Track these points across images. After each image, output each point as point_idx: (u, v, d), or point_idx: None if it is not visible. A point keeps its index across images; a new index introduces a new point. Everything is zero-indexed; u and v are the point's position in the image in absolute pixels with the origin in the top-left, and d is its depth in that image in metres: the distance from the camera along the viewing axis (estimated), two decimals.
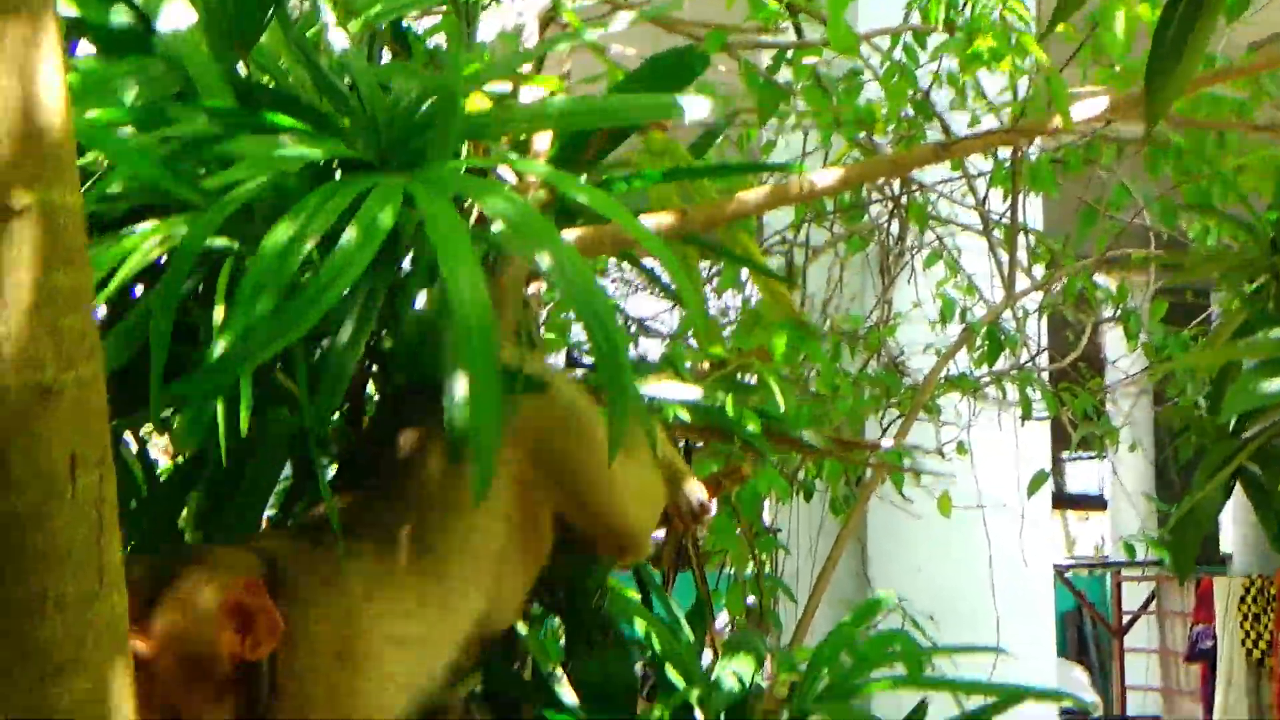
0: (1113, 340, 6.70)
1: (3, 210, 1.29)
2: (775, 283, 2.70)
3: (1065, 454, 14.37)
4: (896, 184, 5.65)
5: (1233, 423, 2.11)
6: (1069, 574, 12.27)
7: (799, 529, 6.00)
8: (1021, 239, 5.18)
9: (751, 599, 4.36)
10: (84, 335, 1.35)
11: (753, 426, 2.62)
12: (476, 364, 1.73)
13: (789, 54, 4.40)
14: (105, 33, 2.10)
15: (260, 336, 1.69)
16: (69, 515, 1.34)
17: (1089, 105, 2.84)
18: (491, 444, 1.74)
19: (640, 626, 2.68)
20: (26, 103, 1.30)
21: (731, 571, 4.36)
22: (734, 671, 2.76)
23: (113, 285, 1.79)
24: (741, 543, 4.27)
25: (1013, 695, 2.84)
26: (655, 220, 2.40)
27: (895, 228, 6.00)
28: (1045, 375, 5.69)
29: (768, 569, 4.79)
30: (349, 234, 1.76)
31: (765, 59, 4.57)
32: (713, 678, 2.75)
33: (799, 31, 4.73)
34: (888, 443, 4.39)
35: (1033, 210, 5.89)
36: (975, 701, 2.89)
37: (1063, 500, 15.16)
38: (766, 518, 5.75)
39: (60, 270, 1.33)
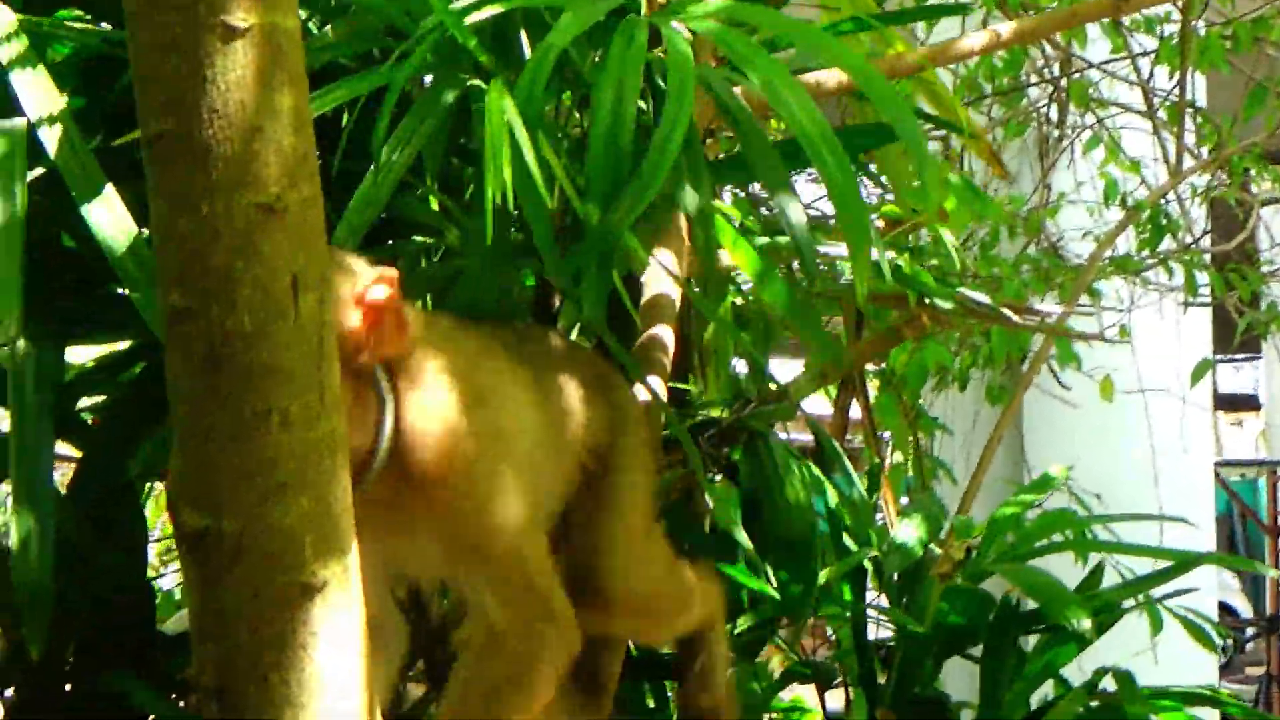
0: (1278, 224, 6.54)
1: (226, 29, 1.31)
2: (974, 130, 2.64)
3: (1219, 356, 14.12)
4: (1056, 66, 5.54)
5: None
6: (1222, 474, 12.06)
7: (955, 421, 5.97)
8: (1187, 119, 5.06)
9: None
10: (306, 155, 1.37)
11: (928, 283, 2.59)
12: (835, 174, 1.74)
13: None
14: None
15: (627, 200, 1.71)
16: (291, 335, 1.36)
17: None
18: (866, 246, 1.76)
19: (814, 489, 2.68)
20: None
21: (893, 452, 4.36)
22: (909, 535, 2.76)
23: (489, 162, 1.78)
24: (903, 421, 4.26)
25: (1182, 561, 2.81)
26: (823, 76, 2.38)
27: (1054, 112, 5.89)
28: (1209, 259, 5.57)
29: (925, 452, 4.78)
30: (670, 82, 1.78)
31: None
32: (888, 541, 2.75)
33: None
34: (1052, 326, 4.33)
35: (1197, 91, 5.74)
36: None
37: (1216, 401, 14.89)
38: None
39: (282, 90, 1.34)
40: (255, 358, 1.34)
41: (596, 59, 1.97)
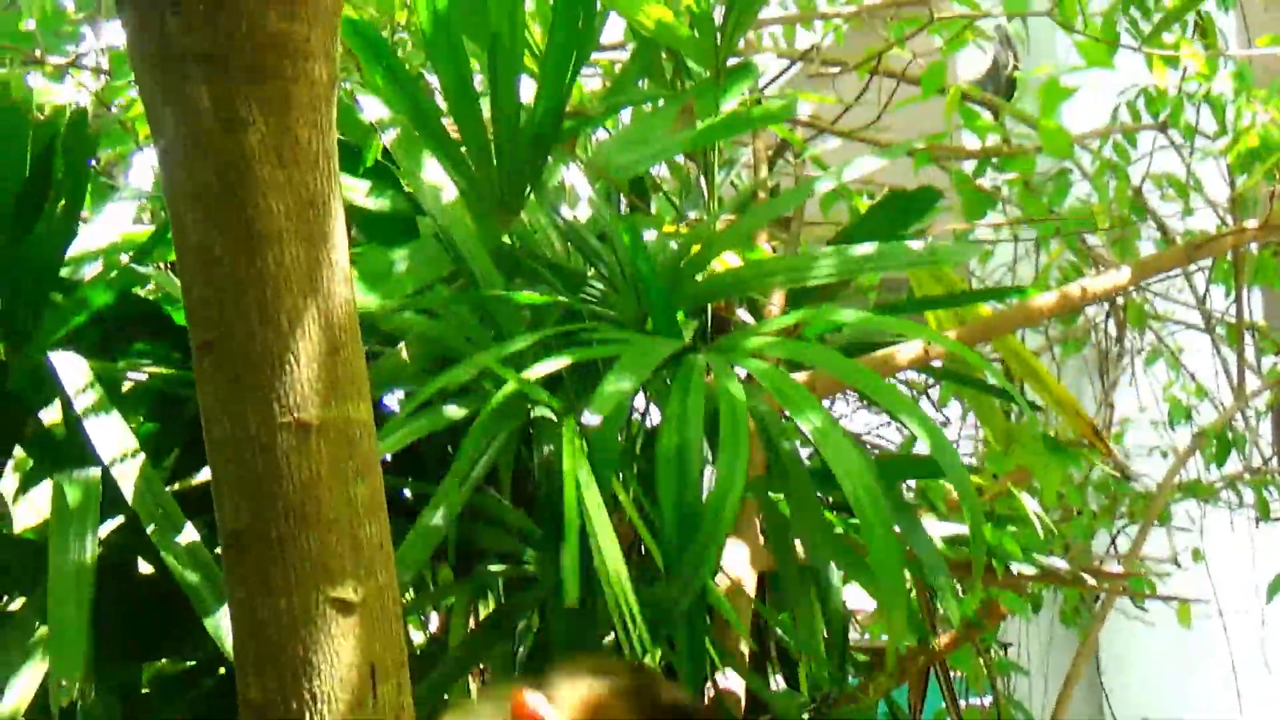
0: None
1: (302, 427, 1.32)
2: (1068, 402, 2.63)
3: None
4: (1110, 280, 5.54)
5: None
6: None
7: (1028, 641, 5.87)
8: (1246, 336, 5.03)
9: None
10: (381, 544, 1.37)
11: (1013, 552, 2.57)
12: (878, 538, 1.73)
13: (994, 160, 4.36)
14: (374, 218, 2.17)
15: (704, 543, 1.75)
16: None
17: None
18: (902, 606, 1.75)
19: None
20: (320, 322, 1.33)
21: (968, 694, 4.27)
22: None
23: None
24: (978, 664, 4.18)
25: None
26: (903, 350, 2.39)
27: (1112, 328, 5.87)
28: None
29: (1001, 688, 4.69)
30: (724, 432, 1.81)
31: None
32: None
33: (1006, 140, 4.69)
34: (1121, 558, 4.27)
35: (1255, 303, 5.73)
36: None
37: None
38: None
39: (355, 482, 1.35)
40: None
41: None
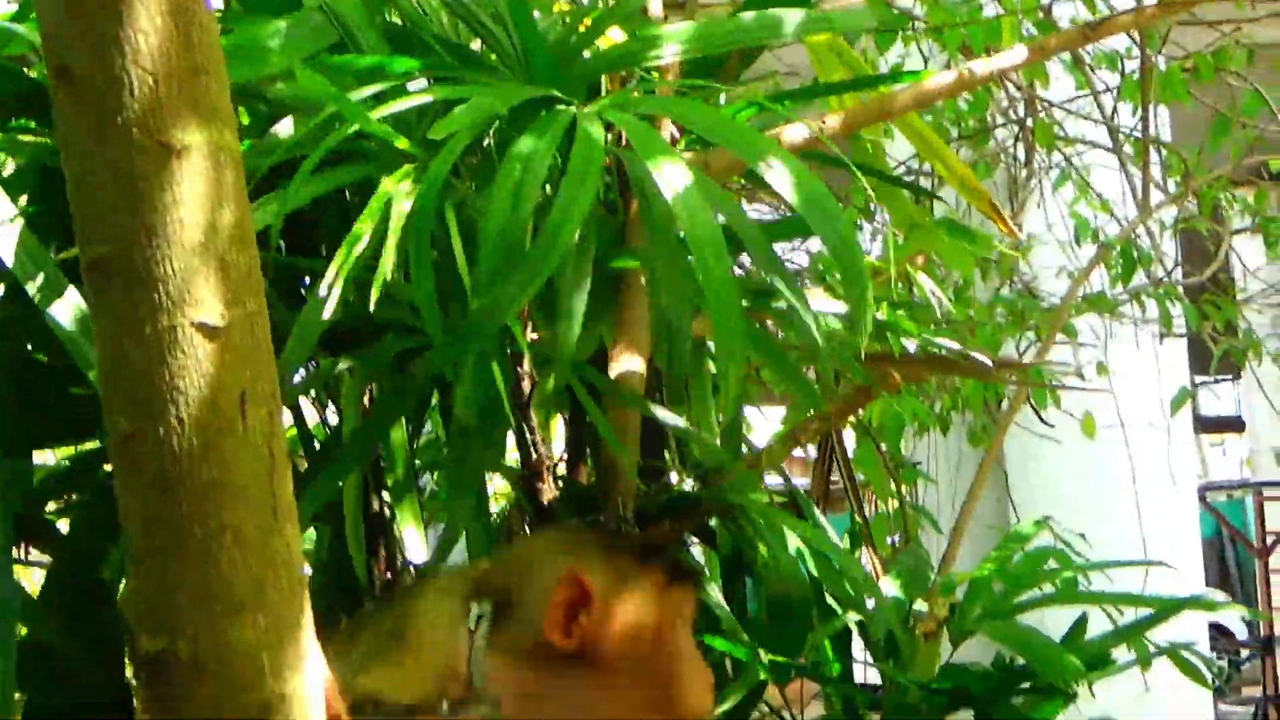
0: (1250, 251, 6.55)
1: (163, 150, 1.30)
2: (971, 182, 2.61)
3: (1200, 378, 14.14)
4: (1021, 106, 5.56)
5: None
6: (1208, 497, 12.06)
7: (937, 464, 5.96)
8: (1153, 153, 5.07)
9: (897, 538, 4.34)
10: (250, 271, 1.35)
11: (908, 329, 2.57)
12: (714, 280, 1.70)
13: None
14: None
15: (513, 287, 1.68)
16: (241, 450, 1.34)
17: None
18: (740, 361, 1.71)
19: (797, 551, 2.66)
20: (183, 42, 1.30)
21: (874, 504, 4.33)
22: (895, 594, 2.74)
23: (343, 254, 1.78)
24: (884, 474, 4.25)
25: (1169, 607, 2.79)
26: (790, 131, 2.37)
27: (1021, 152, 5.91)
28: (1182, 290, 5.58)
29: (909, 501, 4.76)
30: (571, 168, 1.74)
31: None
32: (873, 601, 2.73)
33: None
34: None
35: (1162, 123, 5.77)
36: (1130, 618, 2.87)
37: (1199, 423, 14.91)
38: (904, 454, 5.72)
39: (222, 208, 1.33)
40: (205, 476, 1.32)
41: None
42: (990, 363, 2.91)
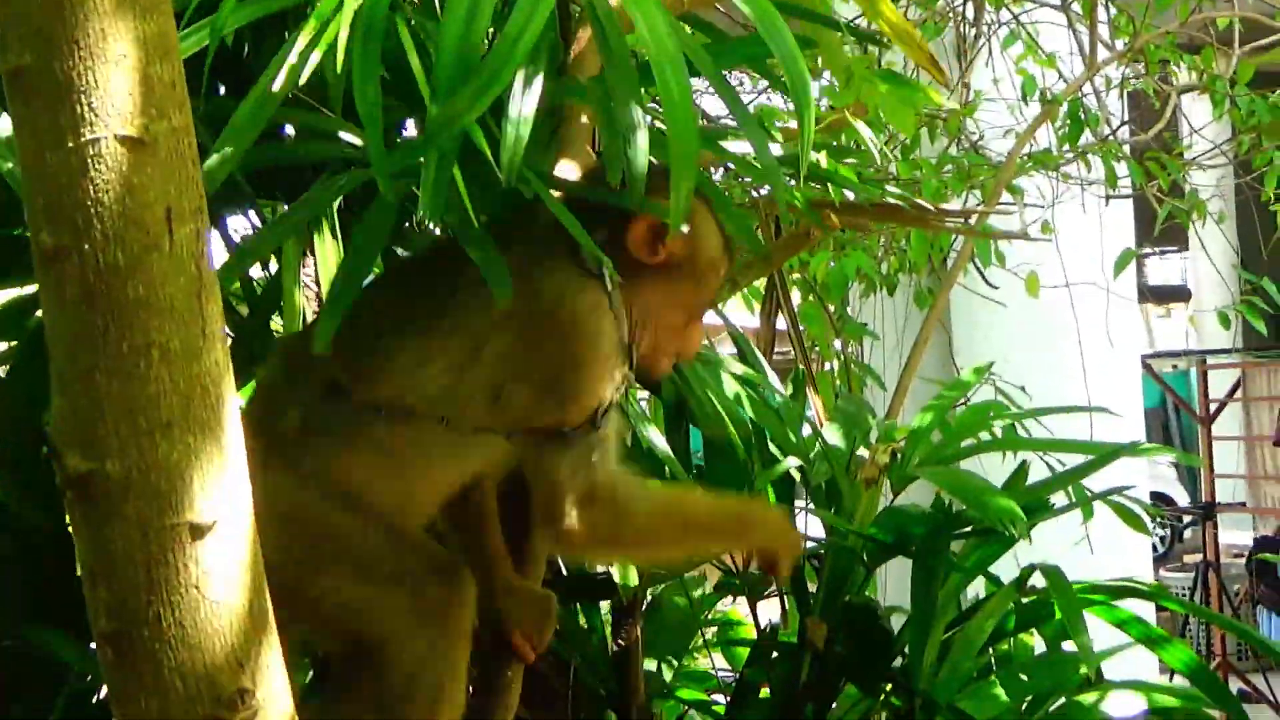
0: (1196, 111, 6.55)
1: None
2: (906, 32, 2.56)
3: (1146, 249, 14.22)
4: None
5: None
6: (1154, 366, 12.18)
7: (883, 325, 5.98)
8: (1101, 10, 5.04)
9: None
10: (174, 84, 1.32)
11: (848, 176, 2.54)
12: (673, 95, 1.68)
13: None
14: None
15: (470, 92, 1.64)
16: (167, 267, 1.32)
17: None
18: (692, 174, 1.70)
19: (736, 395, 2.66)
20: None
21: (819, 360, 4.34)
22: (834, 442, 2.75)
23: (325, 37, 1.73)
24: (829, 328, 4.25)
25: (1107, 453, 2.81)
26: None
27: (970, 11, 5.86)
28: (1128, 150, 5.57)
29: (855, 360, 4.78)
30: None
31: None
32: (814, 449, 2.74)
33: None
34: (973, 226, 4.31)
35: None
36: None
37: (1144, 293, 15.01)
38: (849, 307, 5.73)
39: (145, 17, 1.30)
40: (131, 292, 1.30)
41: None
42: (933, 209, 2.90)
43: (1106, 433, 4.77)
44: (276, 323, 2.54)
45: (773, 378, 2.85)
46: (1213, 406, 11.37)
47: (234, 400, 1.40)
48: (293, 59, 1.75)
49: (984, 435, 2.99)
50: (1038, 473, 2.93)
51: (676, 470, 2.47)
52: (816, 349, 4.40)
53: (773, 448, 2.74)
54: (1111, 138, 5.26)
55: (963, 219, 3.38)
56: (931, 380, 4.68)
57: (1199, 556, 11.14)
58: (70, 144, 1.28)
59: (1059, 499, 2.84)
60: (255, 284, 2.61)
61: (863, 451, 2.77)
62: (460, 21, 1.66)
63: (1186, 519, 13.19)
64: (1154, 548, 11.80)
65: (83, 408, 1.33)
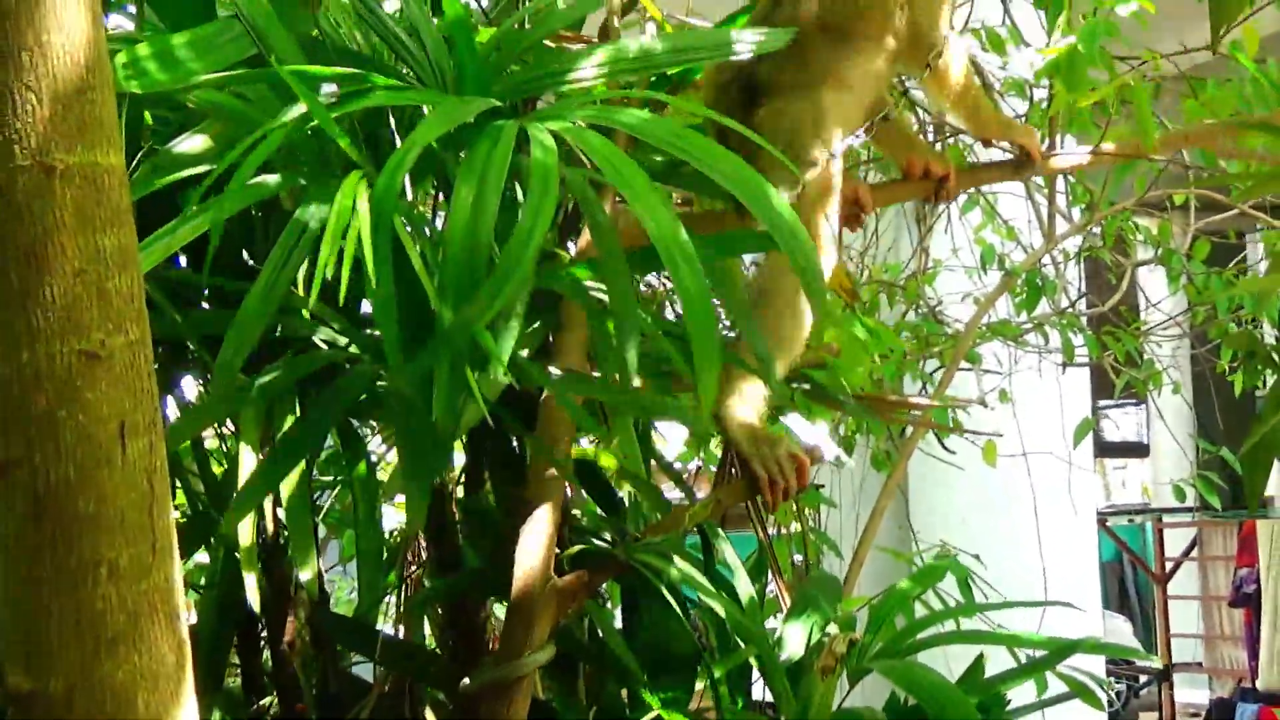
0: (1153, 283, 6.62)
1: (44, 171, 1.26)
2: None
3: (1104, 402, 14.31)
4: (932, 132, 5.58)
5: None
6: (1109, 522, 12.21)
7: (841, 485, 5.97)
8: (1060, 182, 5.10)
9: (798, 557, 4.33)
10: (132, 297, 1.32)
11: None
12: (691, 293, 1.70)
13: None
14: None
15: (483, 298, 1.65)
16: (119, 482, 1.30)
17: None
18: (716, 366, 1.71)
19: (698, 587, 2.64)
20: (67, 61, 1.26)
21: (777, 527, 4.32)
22: (797, 630, 2.72)
23: (326, 251, 1.73)
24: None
25: (1063, 649, 2.79)
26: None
27: None
28: (1085, 320, 5.62)
29: (812, 524, 4.76)
30: (533, 180, 1.73)
31: None
32: (775, 636, 2.71)
33: None
34: (930, 397, 4.34)
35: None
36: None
37: (1102, 448, 15.10)
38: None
39: (105, 231, 1.29)
40: (81, 507, 1.29)
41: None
42: (890, 405, 2.94)
43: (1064, 591, 4.78)
44: None
45: (731, 555, 2.82)
46: (1169, 565, 11.39)
47: (184, 616, 1.38)
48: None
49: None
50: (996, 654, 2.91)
51: (636, 673, 2.44)
52: (773, 516, 4.38)
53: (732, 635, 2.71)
54: (1070, 308, 5.31)
55: (911, 409, 3.42)
56: (886, 549, 4.68)
57: (1155, 715, 11.09)
58: (25, 356, 1.27)
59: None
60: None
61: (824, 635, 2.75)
62: (466, 218, 1.68)
63: (1143, 678, 13.13)
64: (1109, 703, 11.73)
65: (27, 623, 1.30)
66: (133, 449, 1.31)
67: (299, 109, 1.77)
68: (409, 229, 1.87)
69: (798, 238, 1.77)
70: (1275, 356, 2.02)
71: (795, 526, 4.48)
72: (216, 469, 2.51)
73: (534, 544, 2.16)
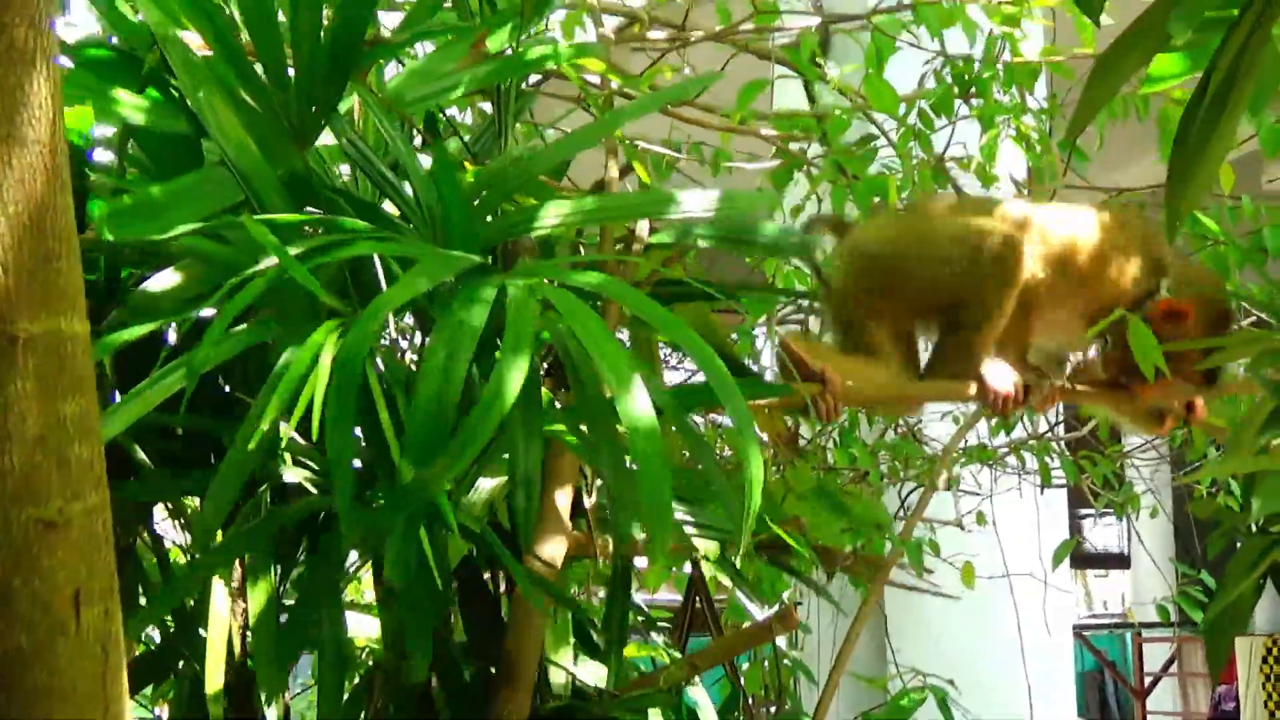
0: None
1: (7, 340, 1.26)
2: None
3: (1085, 511, 14.31)
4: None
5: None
6: (1089, 634, 12.18)
7: (820, 603, 5.94)
8: None
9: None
10: (91, 464, 1.32)
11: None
12: (649, 458, 1.70)
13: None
14: (157, 140, 2.10)
15: (447, 459, 1.66)
16: (73, 652, 1.30)
17: None
18: (668, 532, 1.71)
19: None
20: (32, 230, 1.27)
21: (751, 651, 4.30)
22: None
23: (304, 399, 1.74)
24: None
25: None
26: None
27: None
28: (1062, 444, 5.63)
29: (787, 646, 4.74)
30: (506, 340, 1.74)
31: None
32: None
33: (811, 99, 4.73)
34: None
35: None
36: None
37: (1083, 559, 15.10)
38: (786, 593, 5.70)
39: (66, 399, 1.30)
40: (34, 680, 1.28)
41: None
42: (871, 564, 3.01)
43: (1041, 709, 4.76)
44: None
45: (702, 697, 2.80)
46: (1148, 680, 11.35)
47: None
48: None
49: None
50: None
51: None
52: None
53: None
54: (1049, 433, 5.32)
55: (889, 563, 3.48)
56: (862, 677, 4.66)
57: None
58: None
59: None
60: None
61: None
62: (437, 380, 1.68)
63: None
64: None
65: None
66: (88, 617, 1.30)
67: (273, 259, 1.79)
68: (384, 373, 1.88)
69: (732, 395, 1.78)
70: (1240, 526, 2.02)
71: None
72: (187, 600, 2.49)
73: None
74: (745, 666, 4.13)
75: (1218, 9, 1.43)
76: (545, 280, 1.86)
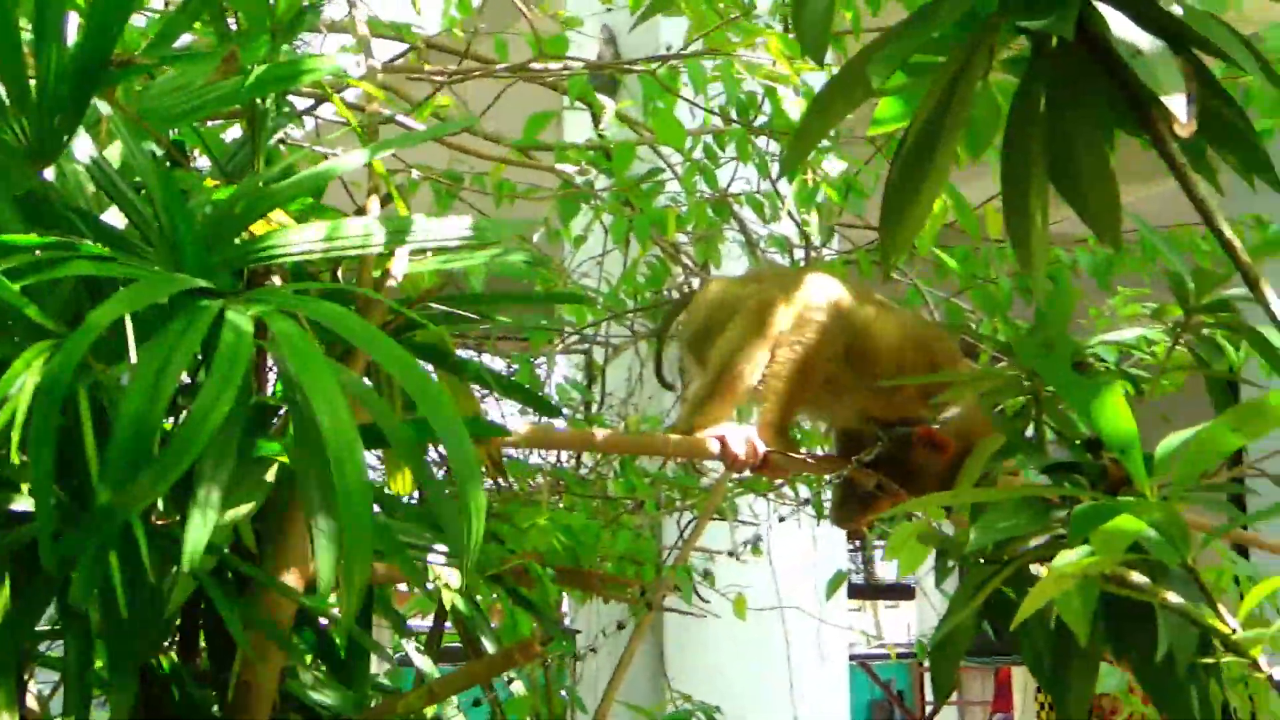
0: None
1: None
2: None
3: (878, 543, 14.56)
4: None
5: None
6: (876, 664, 12.40)
7: (598, 628, 5.97)
8: None
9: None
10: None
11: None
12: (349, 484, 1.69)
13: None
14: None
15: (146, 481, 1.63)
16: None
17: None
18: (366, 566, 1.70)
19: None
20: None
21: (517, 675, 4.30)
22: None
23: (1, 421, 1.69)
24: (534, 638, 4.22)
25: None
26: None
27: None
28: None
29: (561, 671, 4.75)
30: (217, 364, 1.72)
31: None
32: None
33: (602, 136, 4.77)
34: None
35: None
36: None
37: (873, 590, 15.34)
38: (567, 619, 5.73)
39: None
40: None
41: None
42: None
43: None
44: None
45: None
46: (928, 708, 11.59)
47: None
48: None
49: None
50: None
51: None
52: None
53: None
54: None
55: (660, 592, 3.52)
56: (634, 707, 4.70)
57: None
58: None
59: None
60: None
61: None
62: (141, 402, 1.66)
63: None
64: None
65: None
66: None
67: None
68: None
69: (454, 432, 1.80)
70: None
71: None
72: None
73: None
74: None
75: (930, 54, 1.49)
76: (275, 307, 1.85)
